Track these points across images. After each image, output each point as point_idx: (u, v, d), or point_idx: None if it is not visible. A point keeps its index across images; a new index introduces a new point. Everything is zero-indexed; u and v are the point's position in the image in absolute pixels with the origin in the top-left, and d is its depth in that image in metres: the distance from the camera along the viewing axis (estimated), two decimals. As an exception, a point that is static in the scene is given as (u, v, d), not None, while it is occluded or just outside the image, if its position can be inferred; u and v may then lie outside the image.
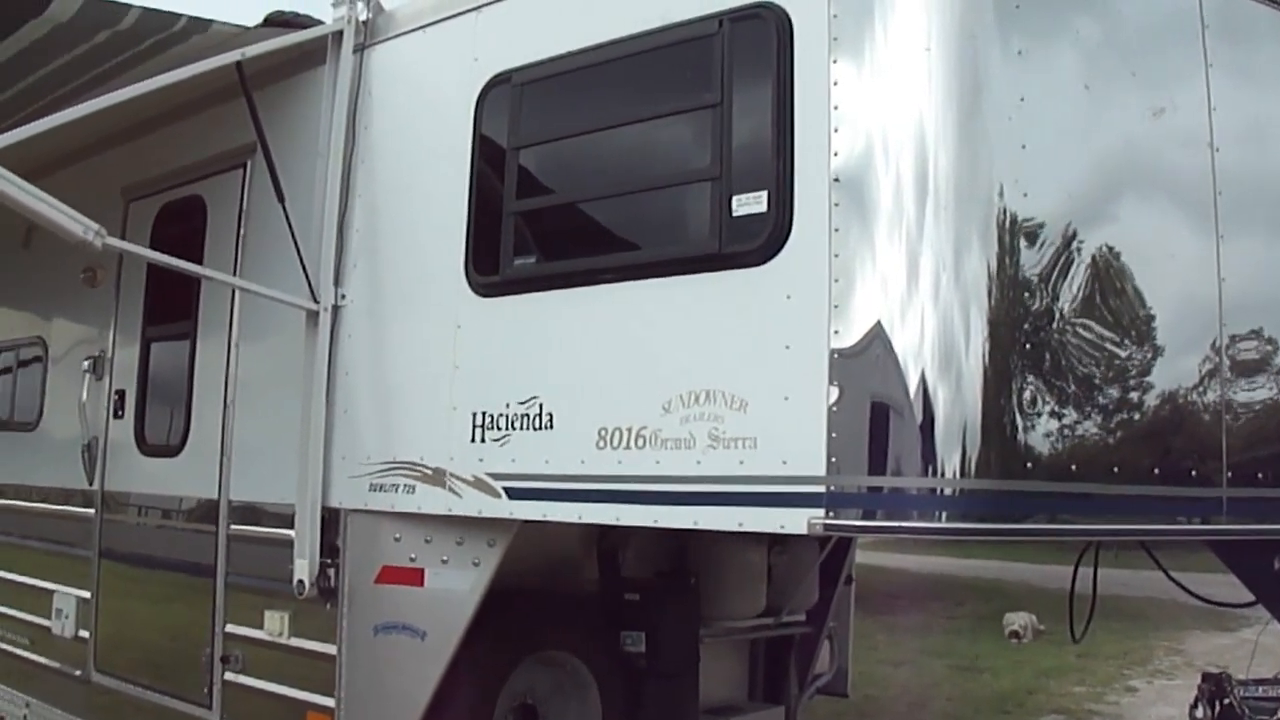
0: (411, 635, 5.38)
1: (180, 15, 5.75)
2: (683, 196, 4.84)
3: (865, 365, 4.24)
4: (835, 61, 4.34)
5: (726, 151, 4.57)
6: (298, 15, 6.11)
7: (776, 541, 6.62)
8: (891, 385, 4.26)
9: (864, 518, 4.39)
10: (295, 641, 5.78)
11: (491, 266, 5.21)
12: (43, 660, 7.58)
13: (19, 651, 7.83)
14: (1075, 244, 4.52)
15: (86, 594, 7.18)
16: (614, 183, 5.08)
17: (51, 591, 7.51)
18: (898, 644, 13.20)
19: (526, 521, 5.07)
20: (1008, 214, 4.33)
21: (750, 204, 4.47)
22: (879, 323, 4.24)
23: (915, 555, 19.36)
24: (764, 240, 4.41)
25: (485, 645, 5.44)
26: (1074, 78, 4.67)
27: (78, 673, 7.18)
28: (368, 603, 5.51)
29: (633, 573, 6.41)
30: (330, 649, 5.58)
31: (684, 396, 4.54)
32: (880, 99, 4.34)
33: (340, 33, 5.95)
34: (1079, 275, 4.52)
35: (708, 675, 6.52)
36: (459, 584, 5.30)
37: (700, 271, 4.63)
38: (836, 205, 4.26)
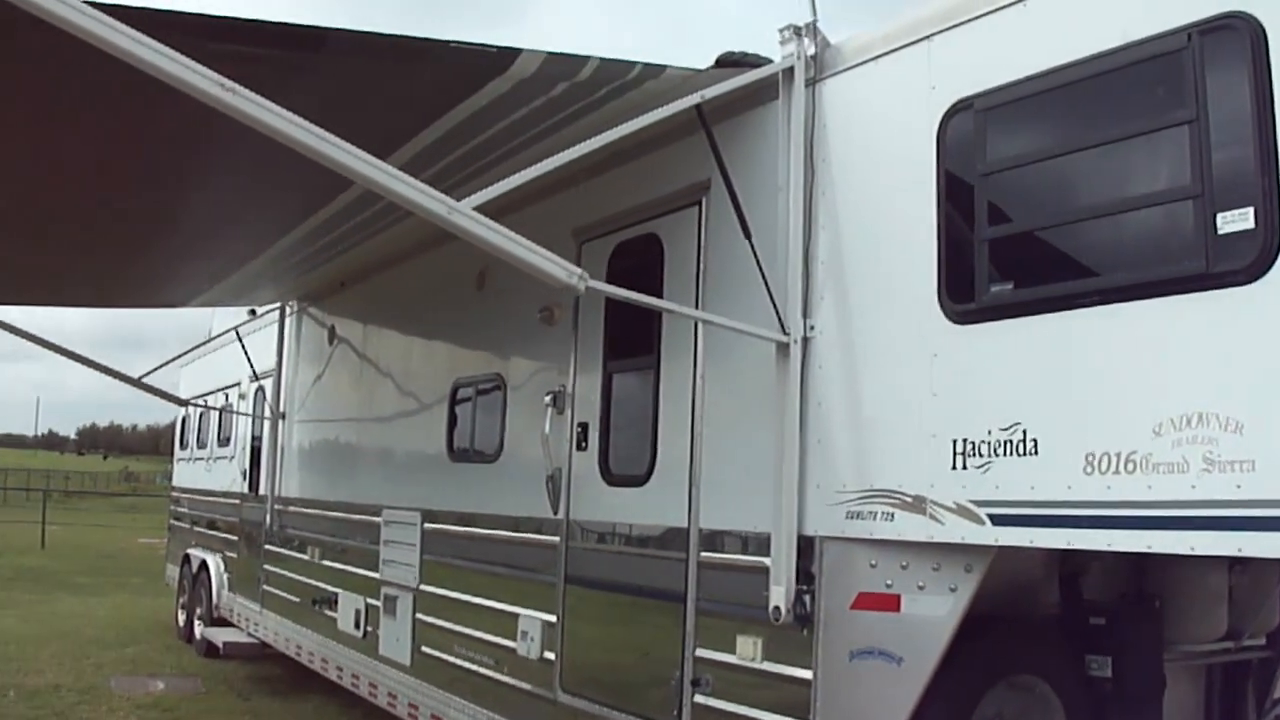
0: (888, 661, 5.42)
1: (635, 63, 6.03)
2: (1161, 216, 4.73)
3: None
4: None
5: (1206, 168, 4.46)
6: (747, 55, 6.31)
7: (1236, 562, 6.37)
8: None
9: None
10: (768, 666, 5.90)
11: (967, 294, 5.21)
12: (508, 680, 8.01)
13: (484, 671, 8.30)
14: None
15: (552, 617, 7.54)
16: (1088, 205, 4.98)
17: (517, 615, 7.93)
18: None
19: (1004, 548, 5.06)
20: None
21: (1236, 221, 4.36)
22: None
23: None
24: (1254, 258, 4.30)
25: (958, 670, 5.44)
26: None
27: (544, 692, 7.54)
28: (843, 628, 5.58)
29: (1094, 596, 6.30)
30: (805, 674, 5.67)
31: (1175, 420, 4.45)
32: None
33: (791, 69, 6.08)
34: None
35: (1166, 699, 6.32)
36: (936, 609, 5.33)
37: (1185, 292, 4.52)
38: None
